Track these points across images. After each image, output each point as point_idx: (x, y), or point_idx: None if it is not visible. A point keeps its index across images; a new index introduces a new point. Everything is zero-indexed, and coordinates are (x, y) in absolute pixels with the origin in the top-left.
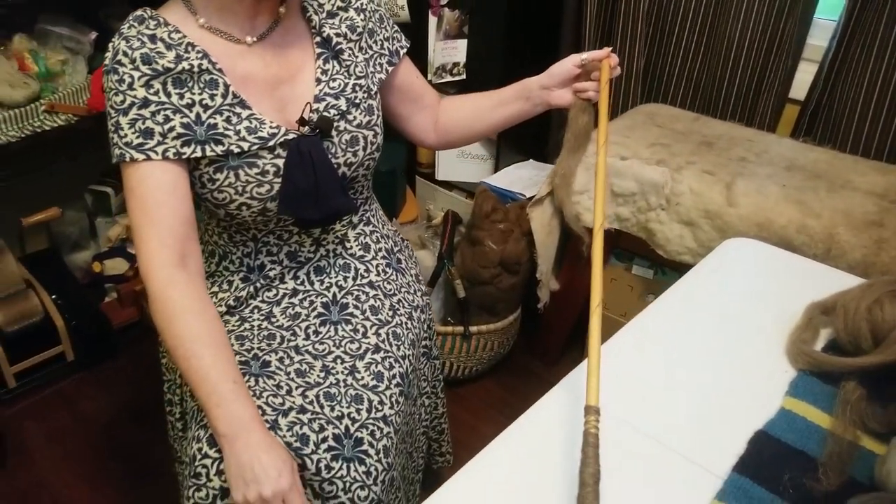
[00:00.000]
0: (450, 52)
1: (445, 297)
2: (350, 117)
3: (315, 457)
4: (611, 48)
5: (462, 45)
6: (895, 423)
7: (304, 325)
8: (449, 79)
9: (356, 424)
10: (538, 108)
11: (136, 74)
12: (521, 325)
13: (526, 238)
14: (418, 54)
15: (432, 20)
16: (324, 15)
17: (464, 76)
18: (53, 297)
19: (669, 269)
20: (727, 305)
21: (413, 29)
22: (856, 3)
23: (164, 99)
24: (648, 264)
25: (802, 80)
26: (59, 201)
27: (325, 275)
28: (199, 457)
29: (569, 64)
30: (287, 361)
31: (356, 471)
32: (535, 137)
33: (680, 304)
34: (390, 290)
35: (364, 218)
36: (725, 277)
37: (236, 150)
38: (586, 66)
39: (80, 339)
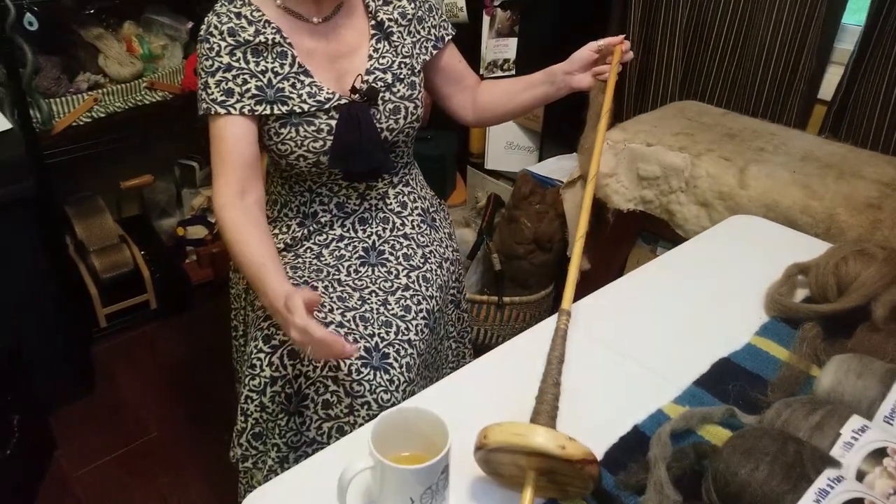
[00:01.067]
0: (501, 49)
1: (483, 270)
2: (395, 90)
3: (348, 361)
4: (624, 35)
5: (512, 42)
6: (839, 352)
7: (346, 264)
8: (499, 74)
9: (384, 342)
10: (562, 91)
11: (223, 44)
12: (553, 303)
13: (560, 219)
14: (472, 50)
15: (486, 19)
16: (380, 2)
17: (513, 72)
18: (143, 252)
19: None
20: (719, 265)
21: (468, 27)
22: (881, 9)
23: (243, 65)
24: (671, 246)
25: (832, 83)
26: (152, 172)
27: (367, 225)
28: (254, 352)
29: (587, 50)
30: (331, 289)
31: (381, 378)
32: (578, 132)
33: (676, 261)
34: (423, 241)
35: (403, 180)
36: (724, 244)
37: (298, 110)
38: (602, 51)
39: (163, 290)
